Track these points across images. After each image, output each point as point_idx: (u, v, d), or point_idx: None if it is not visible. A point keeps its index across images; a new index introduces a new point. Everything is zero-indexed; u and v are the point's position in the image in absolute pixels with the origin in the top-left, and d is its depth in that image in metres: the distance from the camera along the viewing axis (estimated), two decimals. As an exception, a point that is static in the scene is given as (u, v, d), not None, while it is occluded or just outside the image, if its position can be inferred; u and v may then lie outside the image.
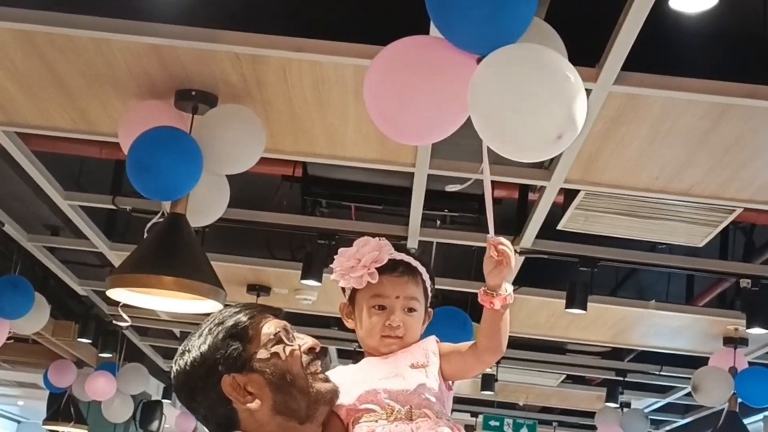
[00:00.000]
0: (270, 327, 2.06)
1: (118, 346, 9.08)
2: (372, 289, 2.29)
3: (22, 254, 6.59)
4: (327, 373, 2.13)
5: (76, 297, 7.93)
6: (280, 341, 2.04)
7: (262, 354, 2.02)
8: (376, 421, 2.17)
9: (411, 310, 2.30)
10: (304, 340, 2.08)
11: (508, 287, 2.19)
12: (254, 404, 2.00)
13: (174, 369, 2.07)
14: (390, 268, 2.29)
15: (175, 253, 3.71)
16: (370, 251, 2.28)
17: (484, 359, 2.28)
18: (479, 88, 2.25)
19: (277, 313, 2.12)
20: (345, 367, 2.31)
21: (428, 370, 2.23)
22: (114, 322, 7.75)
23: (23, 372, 11.31)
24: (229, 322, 2.05)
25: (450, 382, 2.29)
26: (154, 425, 11.10)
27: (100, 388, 8.94)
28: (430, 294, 2.38)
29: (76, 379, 9.14)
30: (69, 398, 9.33)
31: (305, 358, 2.05)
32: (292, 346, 2.05)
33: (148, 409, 10.97)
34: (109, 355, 8.94)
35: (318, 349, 2.09)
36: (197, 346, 2.04)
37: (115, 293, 3.81)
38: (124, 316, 3.99)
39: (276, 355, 2.02)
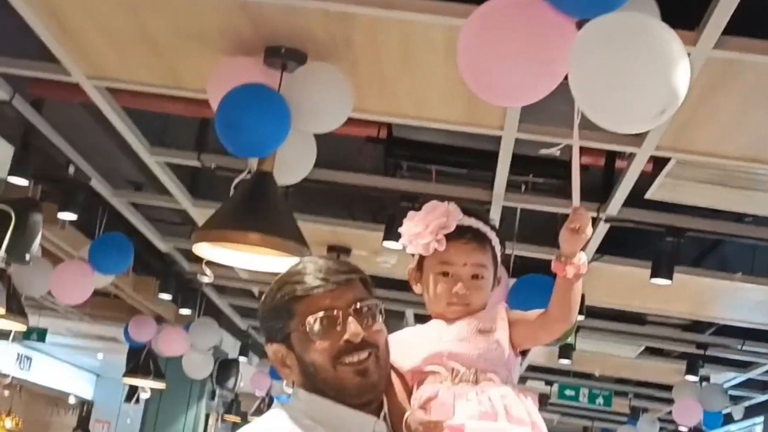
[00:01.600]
0: (314, 308, 1.99)
1: (197, 303, 9.18)
2: (439, 256, 2.25)
3: (107, 210, 6.67)
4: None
5: (158, 253, 8.01)
6: (317, 328, 1.98)
7: (297, 336, 2.00)
8: (441, 383, 2.14)
9: (478, 277, 2.26)
10: (347, 330, 1.99)
11: (582, 256, 2.16)
12: (290, 377, 2.04)
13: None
14: (457, 235, 2.25)
15: (261, 210, 3.71)
16: (438, 217, 2.24)
17: (553, 328, 2.24)
18: (581, 56, 2.21)
19: (349, 282, 2.05)
20: (412, 329, 2.29)
21: (495, 335, 2.21)
22: (197, 277, 7.85)
23: (103, 326, 11.52)
24: (284, 291, 2.01)
25: (518, 350, 2.26)
26: (231, 383, 11.25)
27: (173, 343, 9.06)
28: (500, 259, 2.34)
29: (155, 335, 9.27)
30: (148, 353, 9.46)
31: (337, 349, 1.98)
32: (327, 339, 1.98)
33: (224, 367, 11.12)
34: (188, 312, 9.04)
35: (357, 341, 1.99)
36: (263, 299, 2.07)
37: (200, 248, 3.82)
38: (208, 272, 4.00)
39: (308, 342, 1.98)
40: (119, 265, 6.56)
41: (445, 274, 2.26)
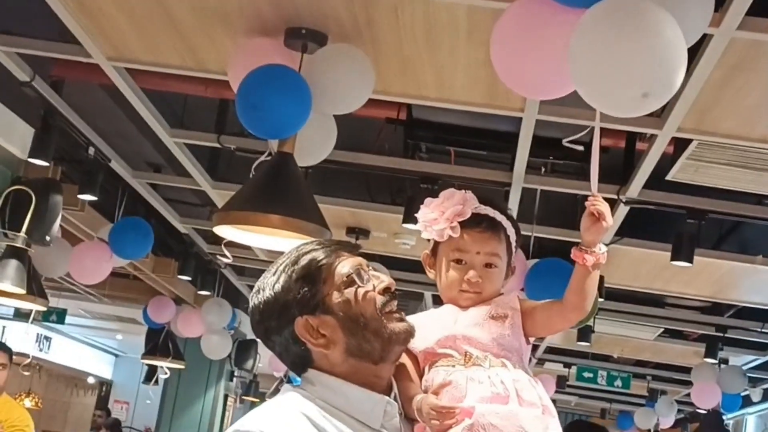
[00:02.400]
0: (344, 267, 2.03)
1: (216, 284, 9.21)
2: (453, 243, 2.27)
3: (127, 191, 6.69)
4: (408, 317, 2.12)
5: (177, 235, 8.04)
6: (353, 283, 2.02)
7: (335, 296, 2.00)
8: (453, 366, 2.16)
9: (491, 265, 2.29)
10: (379, 280, 2.06)
11: (602, 247, 2.18)
12: (328, 348, 2.00)
13: (250, 306, 2.07)
14: (472, 223, 2.27)
15: (282, 192, 3.70)
16: (454, 204, 2.27)
17: (568, 317, 2.27)
18: (577, 39, 2.26)
19: (352, 249, 2.10)
20: (425, 312, 2.32)
21: (508, 322, 2.23)
22: (217, 258, 7.87)
23: (123, 307, 11.57)
24: (303, 261, 2.03)
25: (531, 338, 2.28)
26: (249, 364, 11.29)
27: (192, 324, 9.09)
28: (515, 249, 2.36)
29: (174, 316, 9.30)
30: (167, 334, 9.50)
31: (380, 299, 2.03)
32: (365, 287, 2.03)
33: (243, 348, 11.16)
34: (208, 293, 9.07)
35: (393, 289, 2.07)
36: (271, 284, 2.02)
37: (222, 230, 3.82)
38: (227, 253, 4.00)
39: (349, 297, 2.00)
40: (139, 250, 6.58)
41: (459, 261, 2.28)
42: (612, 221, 2.18)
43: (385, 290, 2.04)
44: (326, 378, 2.01)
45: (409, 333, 2.06)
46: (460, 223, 2.26)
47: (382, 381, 2.05)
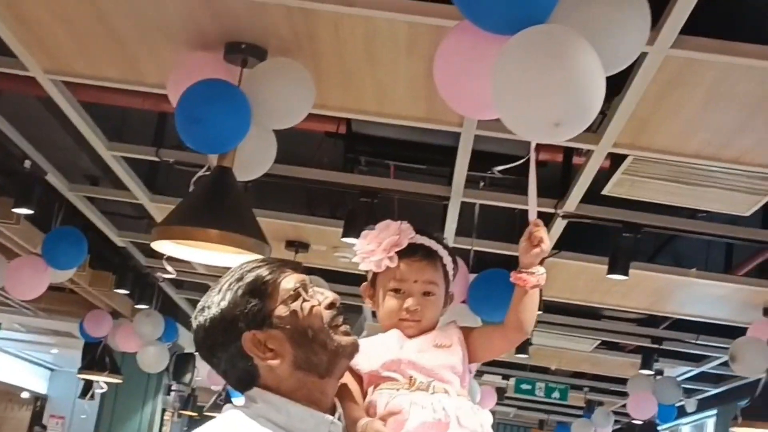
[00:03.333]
0: (289, 282, 2.05)
1: (154, 298, 9.13)
2: (391, 273, 2.34)
3: (64, 204, 6.62)
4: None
5: (114, 248, 7.96)
6: (298, 297, 2.04)
7: (282, 310, 2.02)
8: (398, 389, 2.22)
9: (429, 293, 2.35)
10: (324, 295, 2.09)
11: (540, 268, 2.27)
12: (275, 360, 2.00)
13: (194, 325, 2.07)
14: (409, 253, 2.34)
15: (221, 207, 3.69)
16: (390, 235, 2.33)
17: (511, 338, 2.36)
18: (495, 68, 2.31)
19: (296, 267, 2.12)
20: (371, 337, 2.35)
21: (452, 350, 2.29)
22: (157, 274, 7.81)
23: (59, 321, 11.42)
24: (249, 278, 2.04)
25: (471, 366, 2.35)
26: (187, 377, 11.23)
27: (130, 338, 9.01)
28: (452, 277, 2.42)
29: (111, 330, 9.21)
30: (104, 348, 9.40)
31: (326, 314, 2.05)
32: (311, 302, 2.05)
33: (181, 362, 11.09)
34: (145, 307, 8.99)
35: (338, 304, 2.09)
36: (217, 302, 2.03)
37: (160, 245, 3.80)
38: (169, 268, 3.98)
39: (295, 311, 2.02)
40: (73, 259, 6.48)
41: (397, 290, 2.35)
42: (549, 246, 2.25)
43: (331, 305, 2.07)
44: (270, 396, 2.01)
45: (355, 347, 2.09)
46: (397, 253, 2.32)
47: (327, 398, 2.06)
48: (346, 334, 2.07)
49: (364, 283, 2.42)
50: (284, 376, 2.01)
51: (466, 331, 2.38)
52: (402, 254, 2.33)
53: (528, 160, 2.29)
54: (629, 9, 2.59)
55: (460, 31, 2.52)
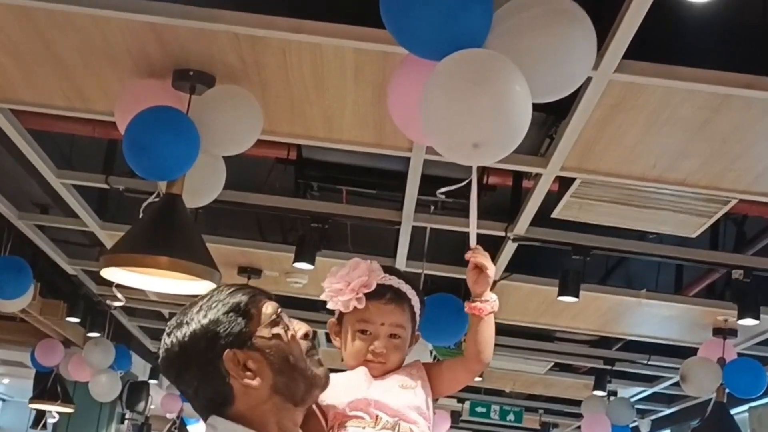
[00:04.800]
0: (269, 308, 2.05)
1: (106, 326, 9.05)
2: (358, 314, 2.36)
3: (13, 232, 6.56)
4: None
5: (65, 276, 7.89)
6: (278, 323, 2.04)
7: (264, 333, 2.01)
8: (363, 428, 2.25)
9: (395, 336, 2.38)
10: (299, 325, 2.09)
11: (492, 295, 2.33)
12: (254, 381, 1.98)
13: (168, 340, 2.02)
14: (377, 295, 2.36)
15: (170, 234, 3.69)
16: (359, 276, 2.34)
17: (473, 368, 2.41)
18: (424, 91, 2.37)
19: (270, 296, 2.11)
20: (339, 374, 2.35)
21: (416, 391, 2.32)
22: (107, 302, 7.74)
23: (9, 350, 11.27)
24: (231, 299, 2.03)
25: (439, 397, 2.42)
26: (141, 406, 11.12)
27: (82, 367, 8.91)
28: (419, 318, 2.45)
29: (63, 359, 9.11)
30: (56, 377, 9.30)
31: (303, 343, 2.06)
32: (290, 330, 2.05)
33: (134, 390, 10.99)
34: (97, 335, 8.90)
35: (311, 335, 2.09)
36: (197, 319, 2.00)
37: (109, 273, 3.79)
38: (119, 295, 3.97)
39: (278, 336, 2.02)
40: (18, 289, 6.39)
41: (364, 331, 2.37)
42: (494, 269, 2.28)
43: (305, 336, 2.07)
44: (232, 426, 1.97)
45: (328, 378, 2.09)
46: (365, 294, 2.33)
47: (296, 429, 2.05)
48: (320, 364, 2.08)
49: (331, 319, 2.44)
50: (261, 400, 1.98)
51: (429, 368, 2.41)
52: (370, 296, 2.34)
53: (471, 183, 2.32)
54: (573, 35, 2.62)
55: (410, 61, 2.55)
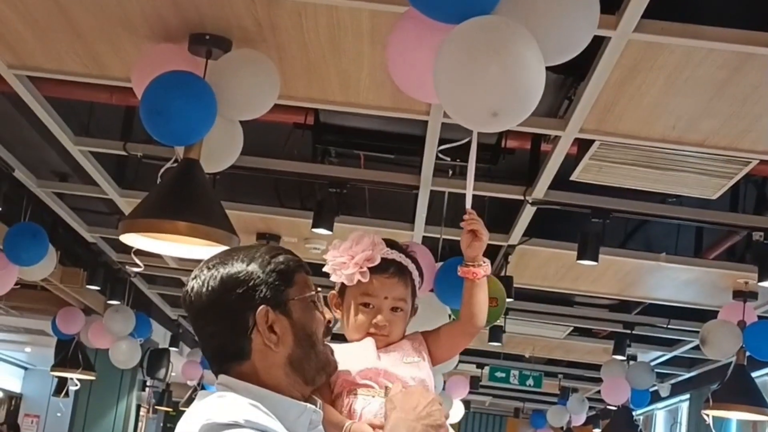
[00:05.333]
0: (310, 283, 2.04)
1: (125, 293, 9.10)
2: (362, 287, 2.39)
3: (32, 201, 6.58)
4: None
5: (85, 244, 7.93)
6: (315, 300, 2.03)
7: (299, 305, 1.99)
8: (373, 396, 2.30)
9: (397, 309, 2.42)
10: (326, 310, 2.10)
11: (485, 259, 2.39)
12: (277, 345, 1.96)
13: (205, 274, 1.96)
14: (381, 269, 2.40)
15: (189, 199, 3.69)
16: (363, 250, 2.38)
17: (469, 331, 2.47)
18: (438, 57, 2.34)
19: (309, 271, 2.08)
20: (345, 345, 2.40)
21: (420, 364, 2.38)
22: (126, 268, 7.77)
23: (31, 318, 11.36)
24: (281, 257, 2.00)
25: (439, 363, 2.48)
26: (161, 373, 11.20)
27: (102, 335, 8.97)
28: (418, 292, 2.50)
29: (83, 327, 9.17)
30: (77, 345, 9.37)
31: (325, 329, 2.07)
32: (322, 311, 2.06)
33: (155, 357, 11.07)
34: (117, 303, 8.96)
35: (333, 324, 2.15)
36: (241, 265, 1.96)
37: (128, 238, 3.79)
38: (138, 261, 3.97)
39: (311, 312, 2.01)
40: (34, 255, 6.38)
41: (366, 305, 2.41)
42: (488, 235, 2.35)
43: (328, 322, 2.09)
44: (249, 386, 1.95)
45: (335, 368, 2.12)
46: (369, 267, 2.36)
47: (302, 399, 2.05)
48: (332, 354, 2.09)
49: (332, 292, 2.46)
50: (275, 364, 1.96)
51: (427, 336, 2.47)
52: (374, 269, 2.37)
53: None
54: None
55: (409, 19, 2.53)
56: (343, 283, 2.41)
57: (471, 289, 2.38)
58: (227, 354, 1.98)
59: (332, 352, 2.08)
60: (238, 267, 1.96)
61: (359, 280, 2.36)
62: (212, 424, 1.82)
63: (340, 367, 2.25)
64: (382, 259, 2.39)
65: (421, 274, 2.51)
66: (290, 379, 1.99)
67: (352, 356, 2.33)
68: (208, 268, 1.97)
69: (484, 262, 2.36)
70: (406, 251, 2.48)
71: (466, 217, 2.35)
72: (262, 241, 2.08)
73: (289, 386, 1.99)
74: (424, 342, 2.44)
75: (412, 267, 2.46)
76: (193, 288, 1.98)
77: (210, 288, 1.95)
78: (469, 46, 2.28)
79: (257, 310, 1.94)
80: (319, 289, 2.05)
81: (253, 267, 1.96)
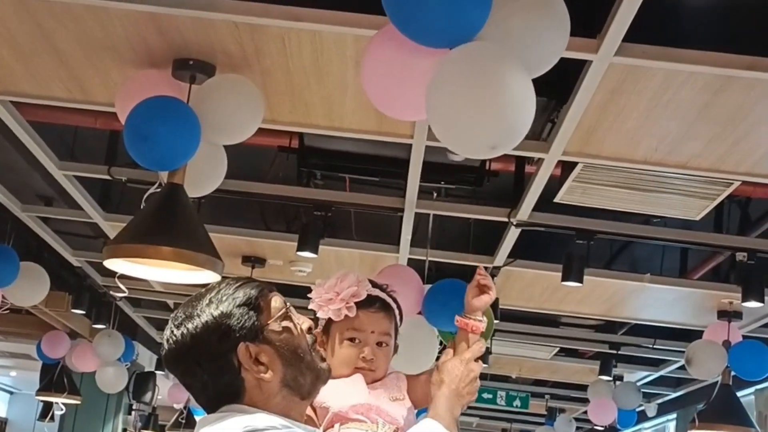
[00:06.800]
0: (278, 301, 2.07)
1: (111, 317, 9.06)
2: (348, 322, 2.45)
3: (16, 225, 6.56)
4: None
5: (70, 268, 7.90)
6: (287, 316, 2.05)
7: (274, 326, 2.02)
8: (366, 431, 2.35)
9: (383, 344, 2.48)
10: (302, 319, 2.11)
11: (480, 316, 2.38)
12: (267, 374, 1.99)
13: (178, 332, 2.01)
14: (367, 304, 2.46)
15: (173, 224, 3.69)
16: (349, 286, 2.44)
17: None
18: (431, 88, 2.37)
19: (274, 289, 2.12)
20: (336, 380, 2.38)
21: (404, 402, 2.44)
22: (110, 292, 7.74)
23: (16, 342, 11.31)
24: (241, 293, 2.04)
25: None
26: (147, 396, 11.14)
27: (87, 359, 8.93)
28: (398, 329, 2.56)
29: (69, 350, 9.13)
30: (62, 369, 9.32)
31: (308, 337, 2.08)
32: (299, 323, 2.07)
33: (141, 380, 11.01)
34: (103, 327, 8.92)
35: (314, 329, 2.13)
36: (208, 311, 2.00)
37: (112, 263, 3.79)
38: (122, 286, 3.97)
39: (288, 329, 2.04)
40: (6, 277, 6.34)
41: (353, 339, 2.46)
42: (495, 293, 2.38)
43: (309, 329, 2.10)
44: (254, 410, 1.98)
45: (330, 372, 2.13)
46: (355, 303, 2.42)
47: (302, 421, 2.07)
48: (323, 359, 2.11)
49: (317, 330, 2.46)
50: (271, 393, 2.00)
51: (409, 378, 2.51)
52: (360, 304, 2.44)
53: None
54: (548, 15, 2.61)
55: (386, 38, 2.54)
56: (328, 320, 2.47)
57: (461, 339, 2.36)
58: (226, 397, 2.01)
59: (322, 358, 2.10)
60: (206, 317, 2.00)
61: (346, 315, 2.42)
62: (252, 429, 1.89)
63: (329, 402, 2.31)
64: (368, 295, 2.45)
65: (401, 314, 2.56)
66: (289, 402, 2.02)
67: (342, 391, 2.37)
68: (177, 326, 2.02)
69: (479, 318, 2.36)
70: (388, 291, 2.54)
71: (480, 272, 2.36)
72: (225, 278, 2.11)
73: (288, 413, 2.01)
74: (406, 381, 2.49)
75: (394, 305, 2.53)
76: (171, 347, 2.03)
77: (186, 345, 2.01)
78: (466, 81, 2.30)
79: (237, 349, 1.98)
80: (287, 303, 2.08)
81: (221, 310, 2.01)
